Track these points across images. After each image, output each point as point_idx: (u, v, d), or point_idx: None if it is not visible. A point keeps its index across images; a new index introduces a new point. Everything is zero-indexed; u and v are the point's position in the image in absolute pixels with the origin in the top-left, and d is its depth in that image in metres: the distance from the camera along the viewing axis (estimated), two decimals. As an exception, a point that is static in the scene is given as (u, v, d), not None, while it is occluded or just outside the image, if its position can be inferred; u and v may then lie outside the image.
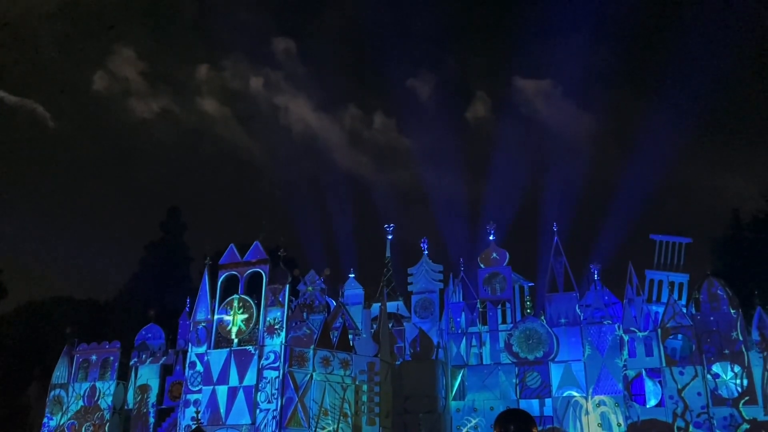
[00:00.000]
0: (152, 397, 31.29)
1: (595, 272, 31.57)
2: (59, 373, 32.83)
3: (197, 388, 25.74)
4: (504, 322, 31.43)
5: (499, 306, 31.60)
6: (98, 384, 31.95)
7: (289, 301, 26.28)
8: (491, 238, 33.64)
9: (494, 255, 32.90)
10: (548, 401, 28.33)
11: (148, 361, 32.18)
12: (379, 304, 29.69)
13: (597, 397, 27.87)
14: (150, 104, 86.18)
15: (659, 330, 27.09)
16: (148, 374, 31.85)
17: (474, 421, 28.92)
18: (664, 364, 26.61)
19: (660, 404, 26.48)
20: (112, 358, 32.31)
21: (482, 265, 32.89)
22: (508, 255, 32.81)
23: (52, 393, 32.48)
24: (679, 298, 30.05)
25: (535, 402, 28.36)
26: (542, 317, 30.18)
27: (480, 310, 31.85)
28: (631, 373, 27.27)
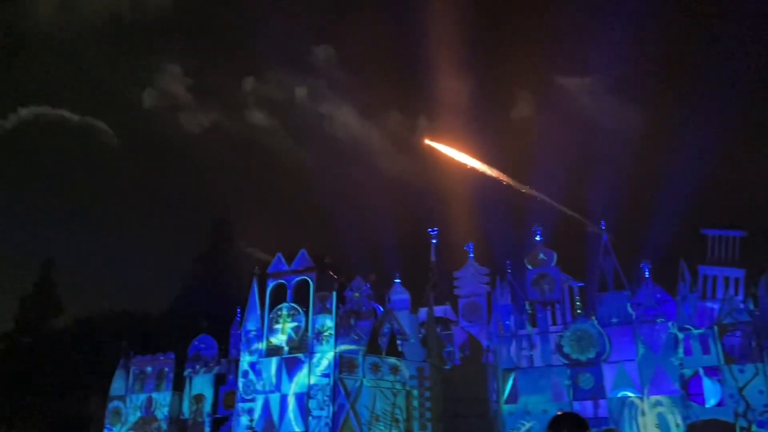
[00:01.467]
0: (207, 407, 31.84)
1: (646, 270, 30.86)
2: (117, 385, 33.67)
3: (250, 397, 26.11)
4: (554, 323, 31.02)
5: (549, 307, 31.20)
6: (154, 395, 32.66)
7: (337, 307, 26.47)
8: (538, 238, 33.23)
9: (542, 256, 32.48)
10: (602, 402, 27.81)
11: (202, 371, 32.75)
12: (426, 308, 29.65)
13: (653, 398, 27.22)
14: (199, 118, 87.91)
15: (716, 327, 26.34)
16: (202, 384, 32.42)
17: (527, 425, 28.57)
18: (722, 362, 25.86)
19: (720, 404, 25.73)
20: (167, 369, 33.00)
21: (530, 267, 32.51)
22: (555, 255, 32.37)
23: (111, 405, 33.32)
24: (735, 293, 29.17)
25: (589, 404, 27.88)
26: (593, 317, 29.67)
27: (529, 312, 31.47)
28: (688, 372, 26.58)
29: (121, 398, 33.22)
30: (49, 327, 58.85)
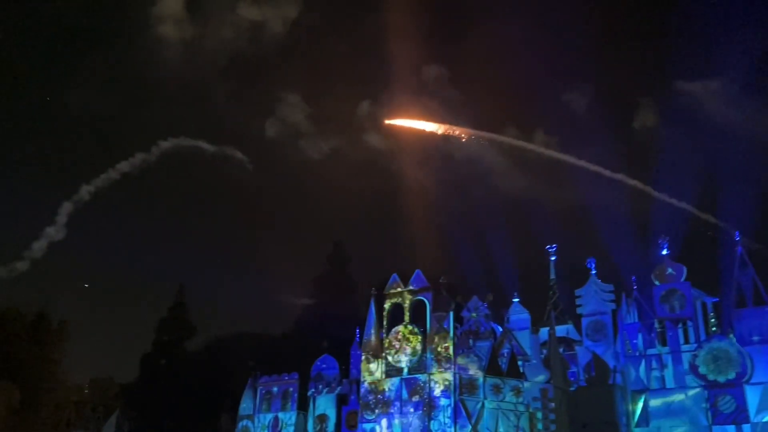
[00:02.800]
0: (330, 427, 32.39)
1: (790, 283, 28.50)
2: (245, 405, 35.02)
3: (372, 417, 26.31)
4: (686, 342, 29.26)
5: (680, 325, 29.49)
6: (280, 414, 33.66)
7: (454, 328, 26.25)
8: (665, 252, 31.53)
9: (670, 270, 30.76)
10: (746, 428, 25.78)
11: (325, 391, 33.42)
12: (548, 328, 28.84)
13: (804, 423, 24.93)
14: (319, 145, 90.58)
15: None
16: (325, 404, 33.05)
17: (661, 450, 26.97)
18: None
19: None
20: (291, 389, 33.96)
21: (657, 282, 30.86)
22: (685, 269, 30.56)
23: (240, 424, 34.67)
24: None
25: (731, 428, 25.92)
26: (731, 335, 27.68)
27: (658, 330, 29.87)
28: (844, 395, 24.15)
29: (250, 417, 34.46)
30: (182, 349, 62.37)
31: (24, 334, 48.71)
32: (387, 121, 70.16)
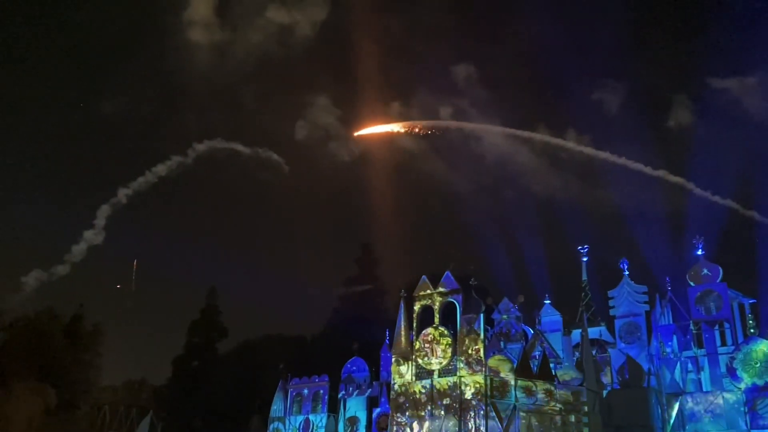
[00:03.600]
0: (361, 429, 32.41)
1: (832, 283, 27.76)
2: (276, 407, 35.20)
3: (402, 419, 26.18)
4: (723, 344, 28.66)
5: (716, 327, 28.89)
6: (311, 417, 33.76)
7: (485, 330, 26.04)
8: (700, 252, 30.95)
9: (705, 271, 30.18)
10: (786, 432, 25.16)
11: (355, 393, 33.43)
12: (580, 330, 28.45)
13: None
14: (350, 146, 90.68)
15: None
16: (355, 406, 33.06)
17: (698, 454, 26.42)
18: None
19: None
20: (321, 391, 34.07)
21: (692, 283, 30.29)
22: (721, 270, 29.95)
23: (272, 426, 34.86)
24: None
25: (770, 433, 25.33)
26: (769, 337, 27.08)
27: (694, 332, 29.31)
28: None
29: (281, 419, 34.63)
30: (214, 351, 62.91)
31: (59, 336, 49.63)
32: (356, 134, 69.47)
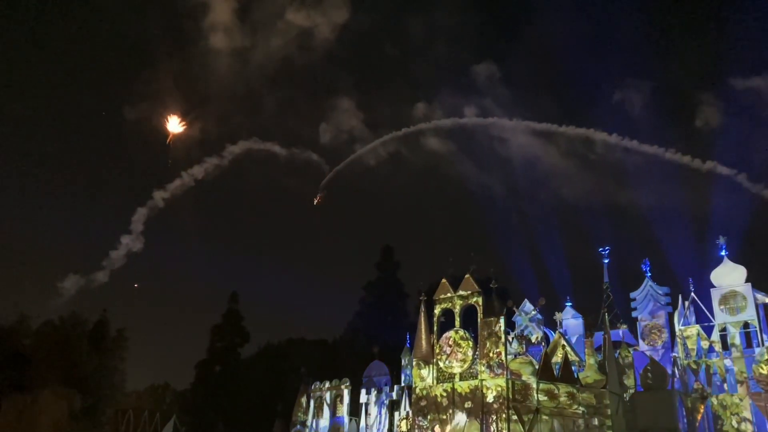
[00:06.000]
0: (382, 433, 32.39)
1: None
2: (298, 411, 35.28)
3: (424, 423, 26.16)
4: (749, 345, 28.28)
5: (742, 328, 28.52)
6: (333, 420, 33.79)
7: (506, 332, 25.93)
8: (723, 253, 30.58)
9: (729, 271, 29.84)
10: (815, 435, 24.77)
11: (376, 397, 33.42)
12: (602, 332, 28.21)
13: None
14: (377, 150, 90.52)
15: None
16: (377, 410, 33.05)
17: (724, 458, 26.08)
18: None
19: None
20: (343, 395, 34.09)
21: (716, 284, 29.94)
22: (746, 271, 29.56)
23: (293, 429, 34.94)
24: None
25: (798, 436, 24.94)
26: (796, 338, 26.70)
27: (719, 334, 28.97)
28: None
29: (303, 423, 34.70)
30: (236, 355, 63.26)
31: (84, 341, 50.24)
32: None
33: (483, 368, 24.91)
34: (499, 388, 24.24)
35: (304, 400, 35.24)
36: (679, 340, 29.42)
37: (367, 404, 33.60)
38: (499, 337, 24.98)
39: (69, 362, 47.35)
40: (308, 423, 34.47)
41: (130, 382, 56.06)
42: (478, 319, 25.88)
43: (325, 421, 34.00)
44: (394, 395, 33.00)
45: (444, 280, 27.68)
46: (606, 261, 35.96)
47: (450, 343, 26.21)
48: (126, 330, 53.67)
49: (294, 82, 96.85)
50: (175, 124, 59.36)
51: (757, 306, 29.08)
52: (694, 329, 29.28)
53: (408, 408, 30.03)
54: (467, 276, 26.97)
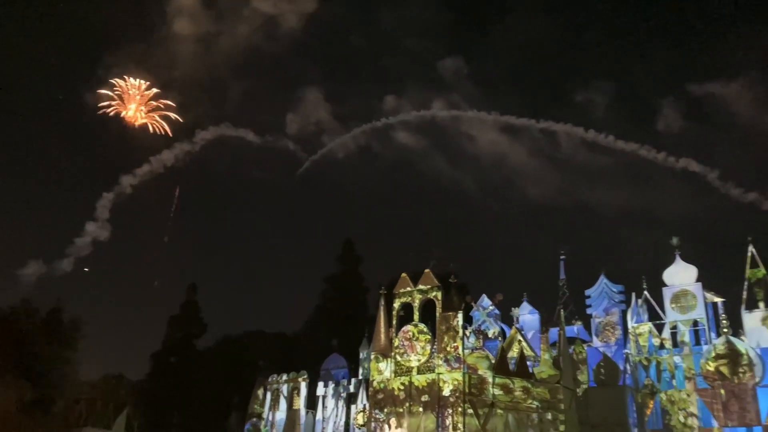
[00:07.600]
0: (340, 426, 32.42)
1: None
2: (255, 403, 35.09)
3: (381, 416, 26.24)
4: (698, 343, 29.05)
5: (691, 326, 29.28)
6: (289, 413, 33.69)
7: (463, 327, 26.16)
8: (676, 252, 31.35)
9: (681, 271, 30.61)
10: (756, 429, 25.58)
11: (334, 390, 33.43)
12: (557, 328, 28.68)
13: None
14: (346, 142, 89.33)
15: None
16: (334, 403, 33.07)
17: (672, 452, 26.79)
18: None
19: None
20: (301, 388, 34.00)
21: (668, 283, 30.68)
22: (697, 270, 30.36)
23: (249, 422, 34.75)
24: None
25: (741, 430, 25.73)
26: (743, 336, 27.49)
27: (669, 331, 29.71)
28: None
29: (259, 416, 34.55)
30: (193, 347, 62.53)
31: (37, 330, 48.97)
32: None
33: (440, 362, 25.09)
34: (456, 382, 24.45)
35: (260, 392, 35.06)
36: (631, 337, 30.05)
37: (324, 397, 33.59)
38: (457, 332, 25.18)
39: (20, 351, 46.13)
40: (264, 416, 34.33)
41: (83, 373, 54.93)
42: (437, 314, 26.06)
43: (281, 414, 33.89)
44: (352, 388, 33.07)
45: (404, 275, 27.77)
46: (562, 258, 36.55)
47: (408, 336, 26.33)
48: (81, 319, 52.58)
49: (260, 71, 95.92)
50: (136, 110, 58.27)
51: (706, 305, 29.89)
52: (646, 327, 30.00)
53: (365, 401, 30.13)
54: (427, 271, 27.11)
